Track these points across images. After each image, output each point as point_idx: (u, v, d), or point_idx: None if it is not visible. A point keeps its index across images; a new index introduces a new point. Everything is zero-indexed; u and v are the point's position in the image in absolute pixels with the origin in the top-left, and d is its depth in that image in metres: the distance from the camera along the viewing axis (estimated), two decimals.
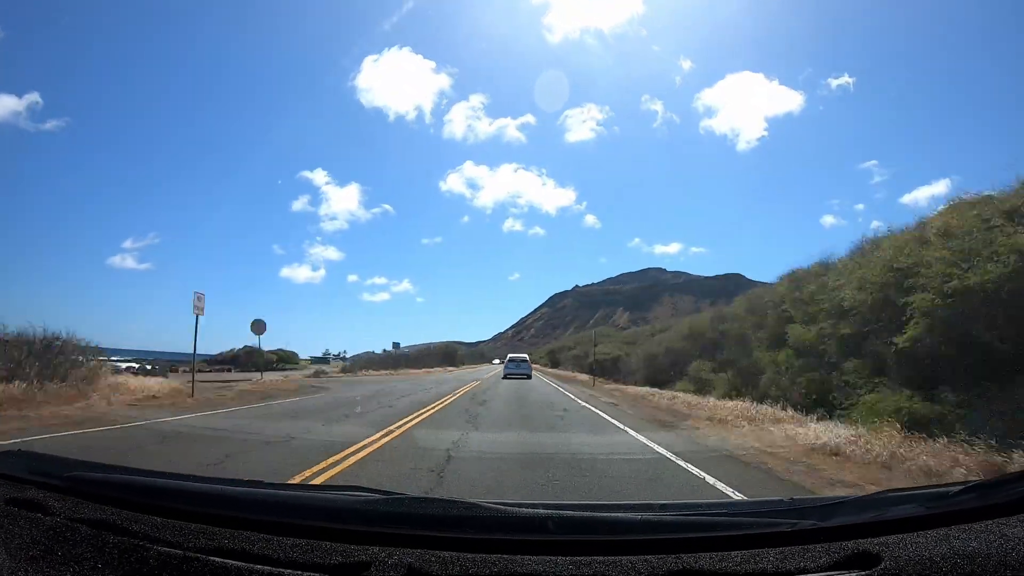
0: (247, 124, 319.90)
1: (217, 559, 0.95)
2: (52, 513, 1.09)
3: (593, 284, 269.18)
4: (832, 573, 0.91)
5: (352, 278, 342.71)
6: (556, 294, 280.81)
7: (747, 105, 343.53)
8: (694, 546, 0.97)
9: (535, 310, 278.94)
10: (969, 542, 0.93)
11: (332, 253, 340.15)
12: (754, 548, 0.96)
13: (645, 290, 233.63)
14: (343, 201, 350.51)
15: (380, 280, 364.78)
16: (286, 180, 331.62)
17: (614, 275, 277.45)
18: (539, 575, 0.91)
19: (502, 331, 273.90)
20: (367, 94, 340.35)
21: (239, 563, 0.94)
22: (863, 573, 0.90)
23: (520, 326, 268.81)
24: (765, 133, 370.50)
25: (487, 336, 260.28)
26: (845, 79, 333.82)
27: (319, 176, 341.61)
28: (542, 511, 1.08)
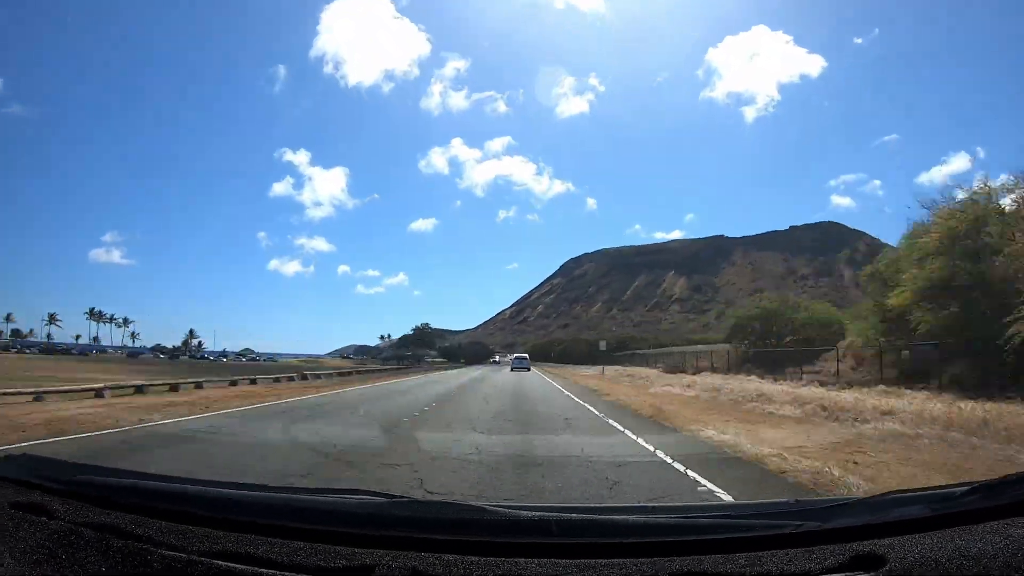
0: (210, 104, 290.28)
1: (221, 563, 0.95)
2: (56, 517, 1.09)
3: (627, 246, 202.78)
4: (836, 575, 0.91)
5: (343, 269, 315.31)
6: (571, 260, 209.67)
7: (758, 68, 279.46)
8: (698, 548, 0.97)
9: (543, 282, 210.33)
10: (974, 543, 0.93)
11: (320, 244, 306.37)
12: (758, 550, 0.96)
13: (709, 247, 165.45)
14: (324, 182, 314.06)
15: (374, 273, 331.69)
16: (258, 162, 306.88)
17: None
18: None
19: (499, 312, 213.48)
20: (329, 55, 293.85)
21: (243, 566, 0.94)
22: (868, 575, 0.89)
23: (522, 304, 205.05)
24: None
25: (478, 322, 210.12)
26: (867, 38, 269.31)
27: (298, 157, 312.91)
28: (545, 514, 1.08)
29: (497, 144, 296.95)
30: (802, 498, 1.39)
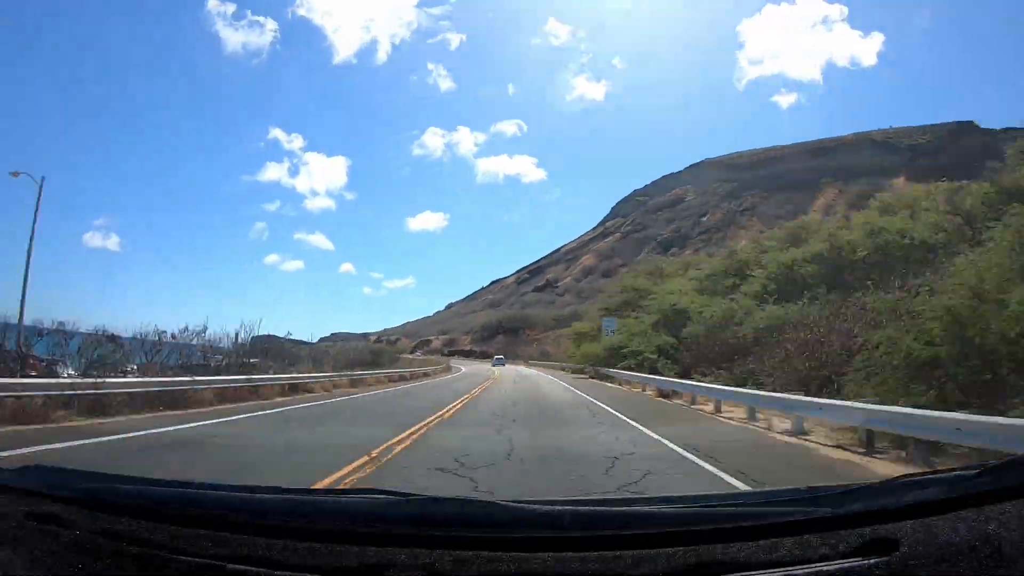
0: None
1: (235, 566, 0.96)
2: (70, 526, 1.10)
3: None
4: (851, 560, 0.91)
5: (346, 267, 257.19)
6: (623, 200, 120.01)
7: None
8: (711, 538, 0.97)
9: (592, 238, 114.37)
10: (987, 525, 0.93)
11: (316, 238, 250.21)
12: (771, 538, 0.96)
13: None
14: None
15: (376, 275, 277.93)
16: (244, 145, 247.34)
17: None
18: (556, 571, 0.92)
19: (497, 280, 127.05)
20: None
21: (257, 569, 0.95)
22: (881, 559, 0.90)
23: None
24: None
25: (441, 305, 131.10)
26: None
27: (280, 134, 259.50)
28: (557, 507, 1.08)
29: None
30: (815, 484, 1.36)
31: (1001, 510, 0.96)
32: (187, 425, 9.09)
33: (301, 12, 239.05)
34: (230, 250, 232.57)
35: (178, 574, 0.96)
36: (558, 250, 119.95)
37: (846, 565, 0.90)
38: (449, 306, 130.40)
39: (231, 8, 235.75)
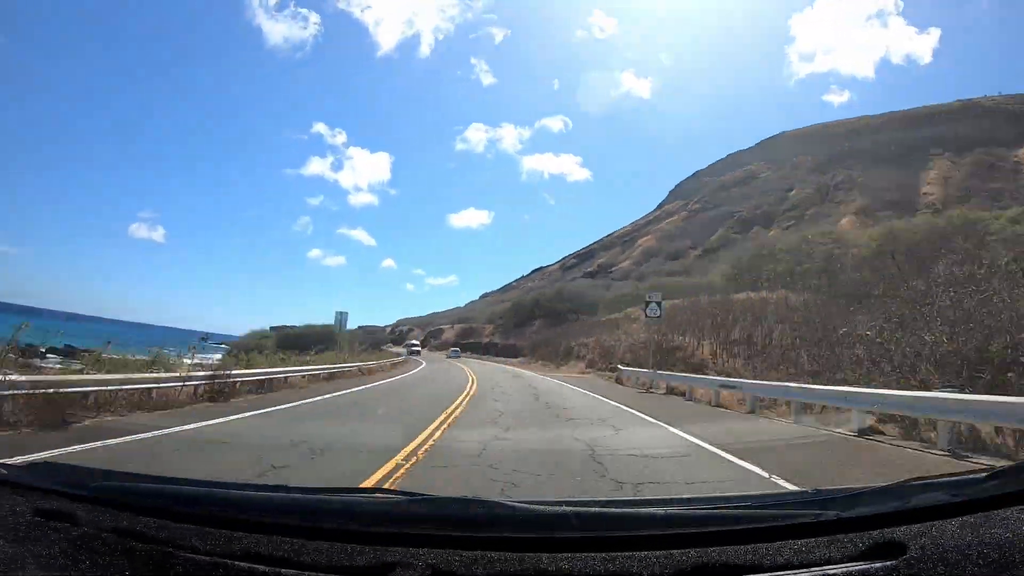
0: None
1: (243, 564, 0.97)
2: (79, 523, 1.10)
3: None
4: (857, 563, 0.91)
5: (388, 263, 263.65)
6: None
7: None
8: (717, 540, 0.97)
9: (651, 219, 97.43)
10: (995, 529, 0.92)
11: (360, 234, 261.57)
12: (778, 540, 0.96)
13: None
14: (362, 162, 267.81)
15: (418, 271, 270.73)
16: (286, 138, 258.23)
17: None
18: (563, 572, 0.92)
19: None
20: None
21: (264, 567, 0.96)
22: (889, 563, 0.89)
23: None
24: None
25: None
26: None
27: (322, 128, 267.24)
28: (564, 508, 1.08)
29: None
30: (822, 487, 1.34)
31: (1009, 515, 0.95)
32: None
33: (343, 6, 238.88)
34: (274, 243, 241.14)
35: (186, 572, 0.97)
36: (610, 235, 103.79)
37: (853, 568, 0.90)
38: (484, 296, 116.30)
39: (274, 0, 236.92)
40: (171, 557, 0.99)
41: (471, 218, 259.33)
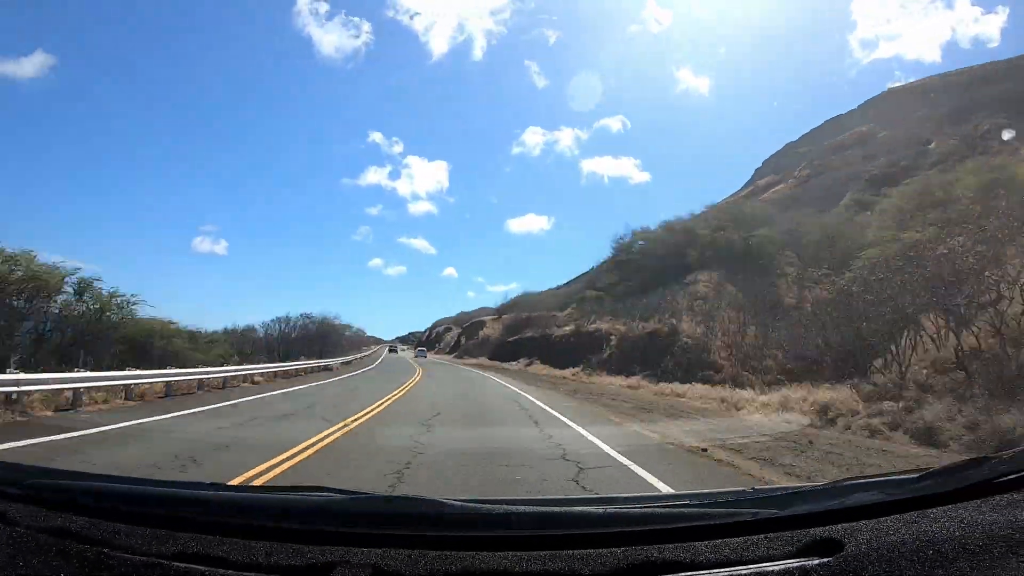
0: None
1: (180, 564, 0.94)
2: (13, 523, 1.07)
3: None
4: (795, 560, 0.92)
5: (448, 271, 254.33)
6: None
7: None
8: (658, 538, 0.98)
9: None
10: (929, 527, 0.95)
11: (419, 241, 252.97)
12: (717, 538, 0.97)
13: None
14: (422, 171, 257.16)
15: (479, 279, 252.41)
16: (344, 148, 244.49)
17: None
18: (504, 571, 0.92)
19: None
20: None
21: (202, 567, 0.94)
22: (826, 560, 0.91)
23: None
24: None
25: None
26: None
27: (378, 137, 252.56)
28: (506, 507, 1.09)
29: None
30: (760, 487, 1.31)
31: (941, 513, 0.99)
32: None
33: (391, 14, 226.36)
34: (335, 253, 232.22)
35: (122, 572, 0.94)
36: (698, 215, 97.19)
37: (791, 565, 0.91)
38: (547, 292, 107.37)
39: (323, 7, 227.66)
40: (107, 558, 0.96)
41: (531, 223, 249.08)
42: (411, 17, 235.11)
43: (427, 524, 1.04)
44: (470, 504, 1.10)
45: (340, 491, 1.22)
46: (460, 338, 69.76)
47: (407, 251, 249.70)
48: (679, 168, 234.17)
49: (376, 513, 1.11)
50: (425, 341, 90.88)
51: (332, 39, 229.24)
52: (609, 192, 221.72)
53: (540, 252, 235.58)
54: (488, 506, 1.09)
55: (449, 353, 68.41)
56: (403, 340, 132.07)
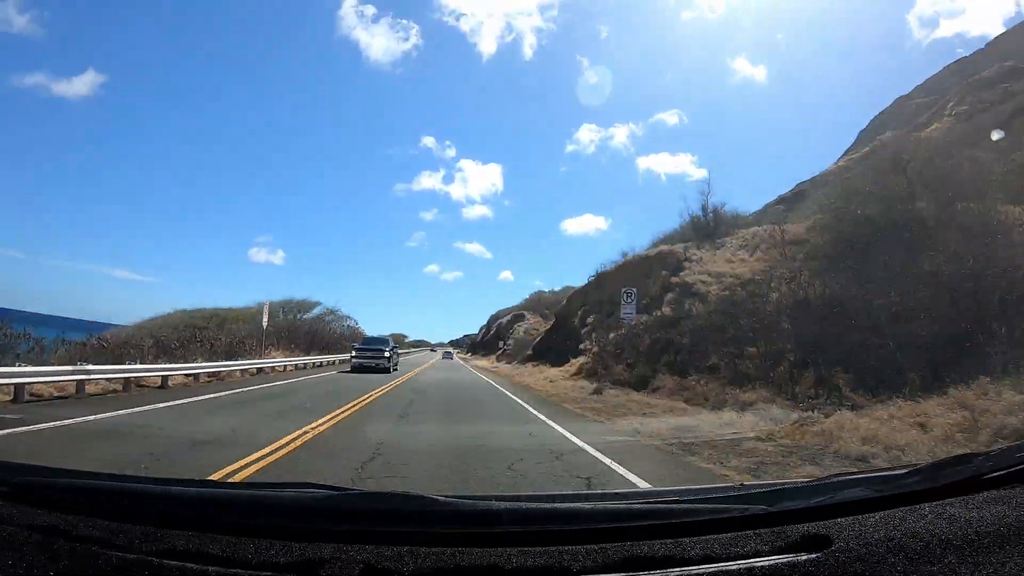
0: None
1: (170, 562, 0.94)
2: (0, 521, 1.06)
3: None
4: (784, 556, 0.93)
5: (505, 275, 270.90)
6: None
7: None
8: (646, 533, 0.99)
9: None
10: (916, 523, 0.96)
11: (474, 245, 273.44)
12: (706, 534, 0.98)
13: None
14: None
15: (537, 282, 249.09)
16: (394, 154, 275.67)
17: None
18: (494, 567, 0.92)
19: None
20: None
21: (192, 565, 0.93)
22: (815, 555, 0.92)
23: None
24: None
25: None
26: None
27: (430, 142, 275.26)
28: (496, 504, 1.09)
29: None
30: (748, 483, 1.27)
31: (929, 509, 0.99)
32: None
33: (437, 16, 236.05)
34: (391, 259, 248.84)
35: (111, 570, 0.93)
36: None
37: (780, 561, 0.92)
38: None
39: (370, 10, 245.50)
40: (96, 556, 0.96)
41: (588, 223, 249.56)
42: (457, 19, 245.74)
43: (415, 520, 1.05)
44: (459, 500, 1.10)
45: (329, 487, 1.23)
46: (508, 326, 63.42)
47: (463, 256, 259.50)
48: (739, 160, 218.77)
49: (365, 509, 1.11)
50: (480, 342, 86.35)
51: (380, 43, 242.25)
52: (666, 190, 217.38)
53: (598, 253, 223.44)
54: (477, 502, 1.10)
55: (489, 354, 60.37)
56: (456, 344, 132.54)
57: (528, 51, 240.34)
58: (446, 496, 1.10)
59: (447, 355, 71.21)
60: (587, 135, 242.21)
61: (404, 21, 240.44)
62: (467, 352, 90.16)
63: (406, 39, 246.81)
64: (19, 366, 11.09)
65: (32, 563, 0.94)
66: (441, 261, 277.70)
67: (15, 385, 9.93)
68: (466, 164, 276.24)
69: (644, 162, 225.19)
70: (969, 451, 1.26)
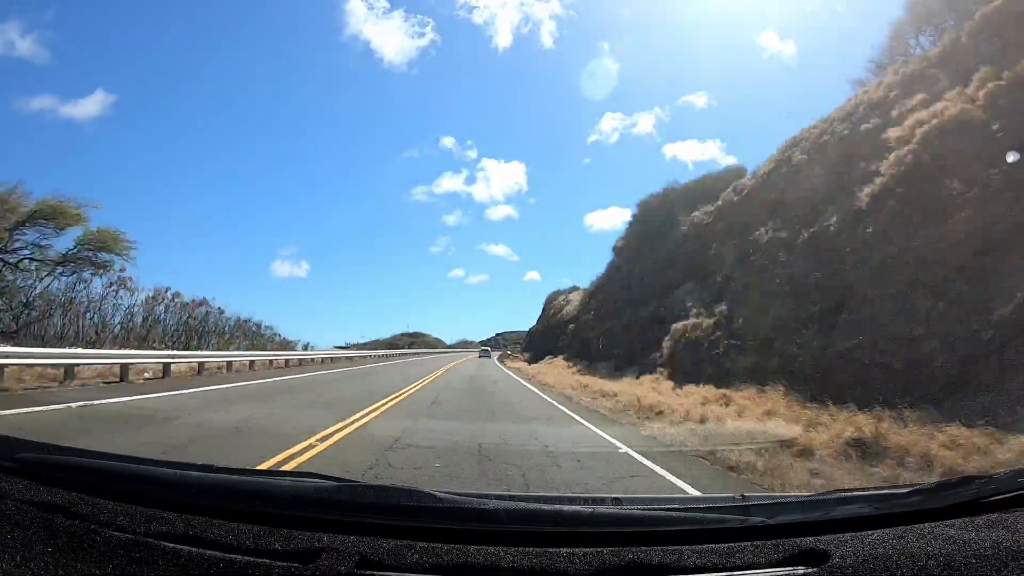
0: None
1: (168, 544, 0.94)
2: (2, 496, 1.06)
3: None
4: (781, 569, 0.93)
5: (531, 276, 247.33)
6: None
7: None
8: (645, 540, 0.99)
9: None
10: (914, 543, 0.96)
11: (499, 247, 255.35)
12: (704, 544, 0.97)
13: None
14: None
15: (565, 280, 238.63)
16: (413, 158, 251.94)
17: None
18: (490, 565, 0.92)
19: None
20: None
21: (190, 548, 0.93)
22: (812, 570, 0.91)
23: None
24: None
25: None
26: None
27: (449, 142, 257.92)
28: (495, 502, 1.09)
29: None
30: (749, 493, 1.26)
31: (928, 529, 0.99)
32: None
33: (448, 11, 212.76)
34: (414, 264, 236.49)
35: (109, 549, 0.93)
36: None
37: (777, 573, 0.92)
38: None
39: (382, 4, 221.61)
40: (95, 534, 0.96)
41: (614, 217, 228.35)
42: (470, 11, 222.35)
43: (415, 515, 1.05)
44: (459, 497, 1.10)
45: (331, 478, 1.23)
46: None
47: (488, 258, 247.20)
48: (764, 144, 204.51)
49: (364, 502, 1.12)
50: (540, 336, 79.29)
51: (394, 43, 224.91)
52: (695, 179, 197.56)
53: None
54: (477, 500, 1.10)
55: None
56: (488, 342, 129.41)
57: (547, 40, 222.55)
58: (446, 492, 1.10)
59: (484, 353, 63.47)
60: (610, 123, 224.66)
61: (419, 16, 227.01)
62: (524, 353, 59.24)
63: (421, 35, 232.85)
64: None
65: (30, 539, 0.94)
66: (466, 264, 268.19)
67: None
68: (488, 163, 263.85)
69: (671, 149, 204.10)
70: (973, 474, 1.25)
